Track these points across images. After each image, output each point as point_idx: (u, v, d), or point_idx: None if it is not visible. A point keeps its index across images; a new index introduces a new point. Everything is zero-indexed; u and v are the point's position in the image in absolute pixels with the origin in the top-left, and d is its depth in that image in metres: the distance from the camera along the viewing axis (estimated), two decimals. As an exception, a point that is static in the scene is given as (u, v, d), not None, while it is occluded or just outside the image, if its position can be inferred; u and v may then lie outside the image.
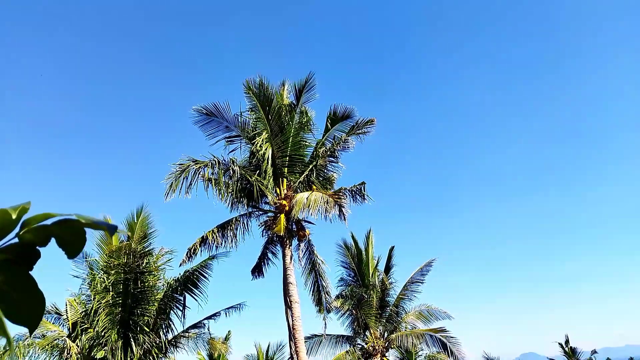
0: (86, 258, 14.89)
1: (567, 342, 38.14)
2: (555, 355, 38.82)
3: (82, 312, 14.06)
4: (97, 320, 12.84)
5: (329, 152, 16.63)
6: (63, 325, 14.49)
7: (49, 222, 0.99)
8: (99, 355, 12.70)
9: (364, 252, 23.50)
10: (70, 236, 1.02)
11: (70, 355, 12.32)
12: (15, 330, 14.33)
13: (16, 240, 1.00)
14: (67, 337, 13.13)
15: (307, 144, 16.89)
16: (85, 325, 13.33)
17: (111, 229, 1.03)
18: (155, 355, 14.14)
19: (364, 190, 15.98)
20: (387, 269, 23.59)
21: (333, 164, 17.25)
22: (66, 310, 14.20)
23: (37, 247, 1.02)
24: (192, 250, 15.44)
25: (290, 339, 15.10)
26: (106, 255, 13.44)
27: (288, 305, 15.24)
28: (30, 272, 1.01)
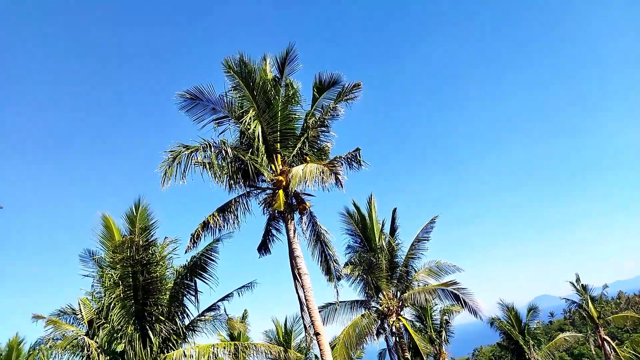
0: (92, 256, 15.00)
1: (577, 280, 38.79)
2: (568, 295, 39.55)
3: (95, 309, 14.28)
4: (112, 315, 13.04)
5: (319, 122, 16.44)
6: (80, 325, 14.74)
7: None
8: (119, 348, 12.97)
9: (367, 217, 23.63)
10: None
11: (91, 352, 12.58)
12: (36, 334, 14.53)
13: None
14: (85, 335, 13.37)
15: (296, 116, 16.68)
16: (101, 322, 13.56)
17: None
18: (174, 341, 14.41)
19: (360, 156, 15.85)
20: (392, 231, 23.77)
21: (325, 133, 17.08)
22: (80, 309, 14.43)
23: None
24: (195, 236, 15.50)
25: (301, 311, 15.32)
26: (110, 251, 13.55)
27: (297, 278, 15.40)
28: None
